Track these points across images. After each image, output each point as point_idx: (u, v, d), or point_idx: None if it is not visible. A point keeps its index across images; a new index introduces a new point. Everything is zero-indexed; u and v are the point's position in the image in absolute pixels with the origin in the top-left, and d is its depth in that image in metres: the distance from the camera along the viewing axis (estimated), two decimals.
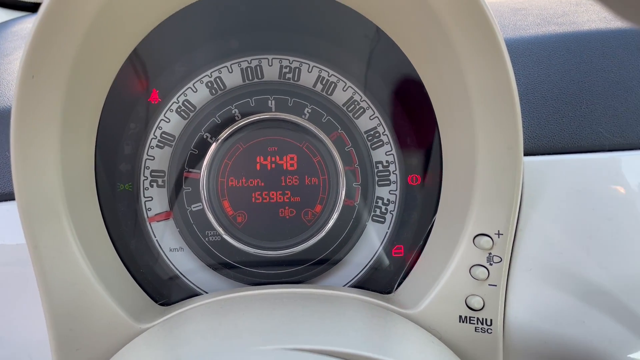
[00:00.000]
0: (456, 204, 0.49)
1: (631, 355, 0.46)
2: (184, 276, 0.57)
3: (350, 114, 0.58)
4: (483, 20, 0.41)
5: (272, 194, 0.56)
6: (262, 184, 0.56)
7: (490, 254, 0.47)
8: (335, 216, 0.56)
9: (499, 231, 0.47)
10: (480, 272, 0.47)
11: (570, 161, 0.49)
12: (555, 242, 0.47)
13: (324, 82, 0.57)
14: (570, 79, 0.52)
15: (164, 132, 0.56)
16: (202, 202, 0.56)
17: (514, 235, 0.48)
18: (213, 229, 0.56)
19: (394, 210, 0.58)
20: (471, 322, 0.48)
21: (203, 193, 0.55)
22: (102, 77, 0.50)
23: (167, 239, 0.57)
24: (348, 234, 0.57)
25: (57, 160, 0.43)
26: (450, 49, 0.44)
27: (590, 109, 0.50)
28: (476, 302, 0.47)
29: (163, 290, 0.55)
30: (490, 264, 0.47)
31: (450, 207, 0.51)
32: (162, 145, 0.56)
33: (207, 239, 0.56)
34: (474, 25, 0.42)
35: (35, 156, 0.42)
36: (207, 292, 0.57)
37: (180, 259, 0.57)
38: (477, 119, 0.44)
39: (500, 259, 0.47)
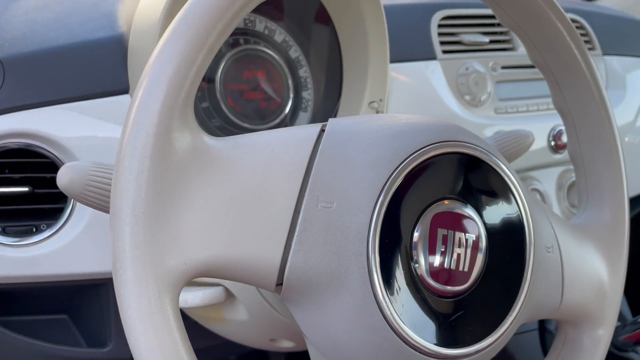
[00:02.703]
0: (357, 87, 0.97)
1: None
2: None
3: (286, 50, 1.00)
4: None
5: (254, 94, 0.95)
6: (247, 87, 0.94)
7: (377, 111, 0.96)
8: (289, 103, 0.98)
9: (380, 99, 0.95)
10: None
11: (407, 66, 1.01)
12: (407, 97, 0.99)
13: (269, 30, 0.98)
14: None
15: None
16: (209, 102, 0.91)
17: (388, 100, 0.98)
18: (219, 116, 0.92)
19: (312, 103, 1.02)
20: None
21: (216, 95, 0.91)
22: None
23: None
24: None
25: None
26: None
27: None
28: None
29: None
30: None
31: (353, 89, 0.98)
32: None
33: (213, 125, 0.92)
34: None
35: None
36: None
37: None
38: (370, 31, 0.91)
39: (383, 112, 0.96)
